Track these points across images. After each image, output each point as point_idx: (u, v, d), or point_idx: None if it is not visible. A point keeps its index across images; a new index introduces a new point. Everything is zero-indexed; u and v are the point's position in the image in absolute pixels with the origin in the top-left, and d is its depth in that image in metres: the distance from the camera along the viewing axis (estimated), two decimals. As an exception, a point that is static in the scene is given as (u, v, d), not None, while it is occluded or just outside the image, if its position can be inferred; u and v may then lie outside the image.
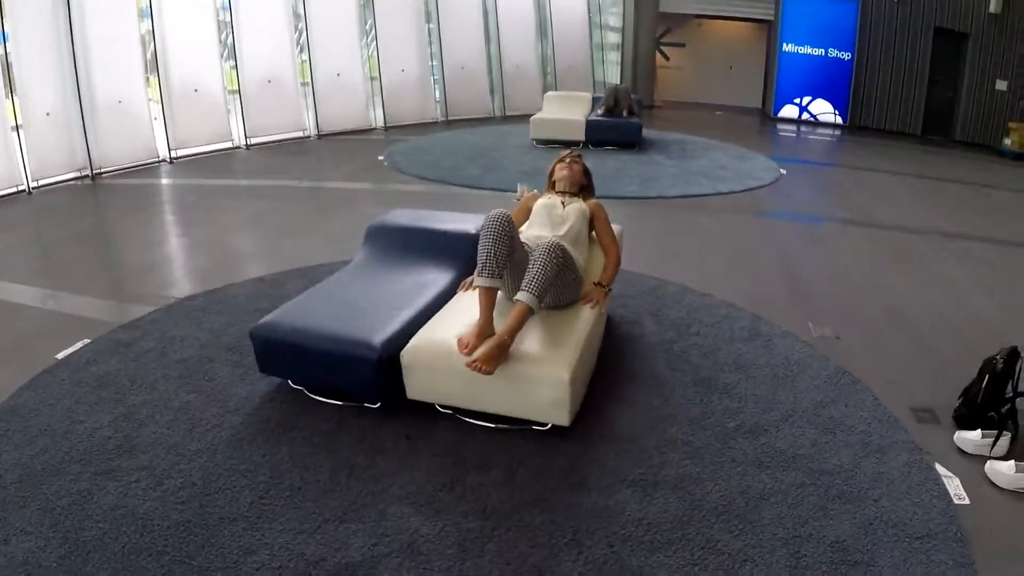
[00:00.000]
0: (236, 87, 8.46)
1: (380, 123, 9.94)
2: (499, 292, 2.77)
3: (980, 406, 2.79)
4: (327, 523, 2.20)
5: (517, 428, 2.68)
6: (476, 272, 2.71)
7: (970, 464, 2.61)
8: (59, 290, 4.17)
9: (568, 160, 3.53)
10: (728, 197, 6.71)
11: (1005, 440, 2.64)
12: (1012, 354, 2.81)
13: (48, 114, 6.44)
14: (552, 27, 11.65)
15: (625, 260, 3.47)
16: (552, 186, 3.52)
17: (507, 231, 2.69)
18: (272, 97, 8.72)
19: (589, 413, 2.81)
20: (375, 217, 3.78)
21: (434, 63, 10.61)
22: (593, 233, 3.36)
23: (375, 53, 9.85)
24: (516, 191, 6.28)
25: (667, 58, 14.19)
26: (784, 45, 12.11)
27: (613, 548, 2.12)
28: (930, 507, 2.34)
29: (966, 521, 2.28)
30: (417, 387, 2.73)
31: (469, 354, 2.53)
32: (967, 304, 4.26)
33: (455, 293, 3.11)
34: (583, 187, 3.52)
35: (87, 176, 6.79)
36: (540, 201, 3.35)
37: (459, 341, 2.60)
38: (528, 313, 2.59)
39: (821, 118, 12.06)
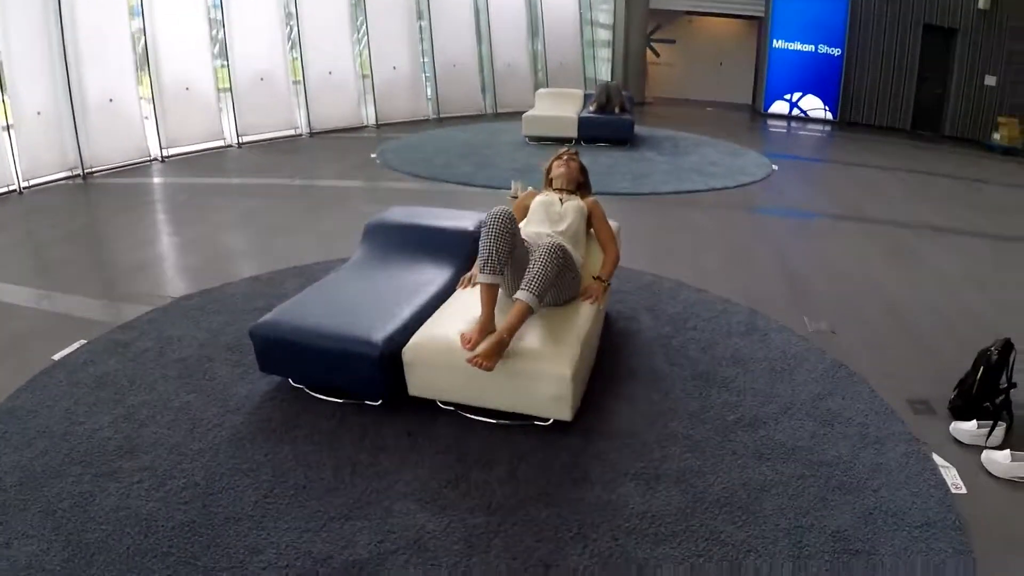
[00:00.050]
0: (228, 85, 8.41)
1: (372, 121, 9.91)
2: (499, 289, 2.78)
3: (975, 397, 2.83)
4: (332, 521, 2.20)
5: (519, 424, 2.70)
6: (478, 269, 2.72)
7: (966, 454, 2.65)
8: (52, 290, 4.14)
9: (565, 157, 3.54)
10: (720, 193, 6.74)
11: (1000, 430, 2.68)
12: (1006, 346, 2.85)
13: (39, 113, 6.38)
14: (543, 24, 11.66)
15: (621, 256, 3.48)
16: (549, 184, 3.53)
17: (509, 228, 2.70)
18: (264, 95, 8.67)
19: (590, 408, 2.82)
20: (369, 215, 3.77)
21: (426, 60, 10.58)
22: (591, 230, 3.38)
23: (367, 51, 9.82)
24: (510, 188, 6.34)
25: (657, 55, 14.22)
26: (774, 41, 12.17)
27: (618, 541, 2.13)
28: (928, 497, 2.37)
29: (964, 510, 2.32)
30: (419, 384, 2.73)
31: (472, 349, 2.55)
32: (960, 297, 4.31)
33: (454, 290, 3.12)
34: (580, 184, 3.53)
35: (78, 175, 6.73)
36: (538, 198, 3.36)
37: (462, 336, 2.62)
38: (528, 312, 2.61)
39: (811, 114, 12.14)
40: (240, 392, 2.94)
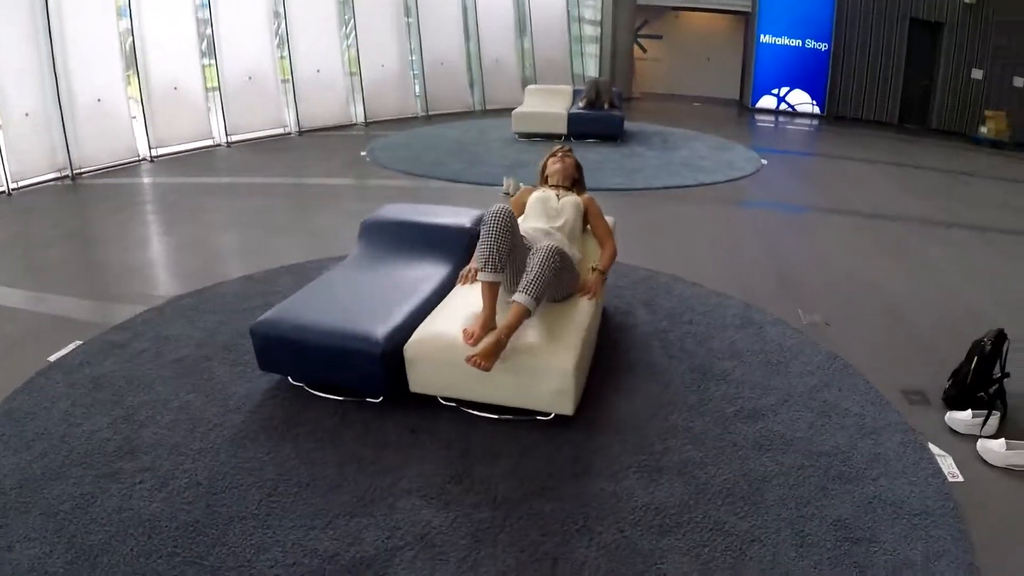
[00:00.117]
0: (216, 84, 8.35)
1: (360, 119, 9.88)
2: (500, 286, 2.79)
3: (969, 387, 2.87)
4: (338, 518, 2.20)
5: (520, 419, 2.71)
6: (480, 266, 2.72)
7: (961, 443, 2.69)
8: (45, 291, 4.10)
9: (560, 154, 3.55)
10: (711, 187, 6.78)
11: (995, 419, 2.72)
12: (999, 336, 2.89)
13: (27, 114, 6.31)
14: (531, 21, 11.65)
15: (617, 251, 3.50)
16: (544, 181, 3.54)
17: (509, 227, 2.71)
18: (252, 94, 8.62)
19: (590, 402, 2.84)
20: (362, 213, 3.77)
21: (414, 58, 10.55)
22: (587, 226, 3.39)
23: (355, 49, 9.77)
24: (502, 185, 6.35)
25: (644, 50, 14.26)
26: (761, 36, 12.25)
27: (624, 533, 2.15)
28: (926, 485, 2.41)
29: (961, 498, 2.36)
30: (420, 380, 2.73)
31: (474, 344, 2.56)
32: (952, 289, 4.36)
33: (453, 286, 3.12)
34: (575, 181, 3.55)
35: (67, 176, 6.66)
36: (535, 194, 3.37)
37: (464, 332, 2.64)
38: (525, 314, 2.61)
39: (799, 108, 12.23)
40: (239, 391, 2.93)
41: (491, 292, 2.69)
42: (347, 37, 9.79)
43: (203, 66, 8.14)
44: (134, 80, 7.49)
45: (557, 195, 3.34)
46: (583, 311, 2.92)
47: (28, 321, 3.72)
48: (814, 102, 12.07)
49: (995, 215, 6.21)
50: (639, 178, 6.93)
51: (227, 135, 8.41)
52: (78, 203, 6.13)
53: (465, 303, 2.89)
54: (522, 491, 2.33)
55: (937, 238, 5.42)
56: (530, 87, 9.81)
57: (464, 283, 3.06)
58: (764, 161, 7.86)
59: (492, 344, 2.51)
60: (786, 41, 12.04)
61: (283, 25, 8.92)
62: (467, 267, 3.14)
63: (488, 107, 11.17)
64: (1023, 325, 3.37)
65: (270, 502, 2.27)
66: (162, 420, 2.73)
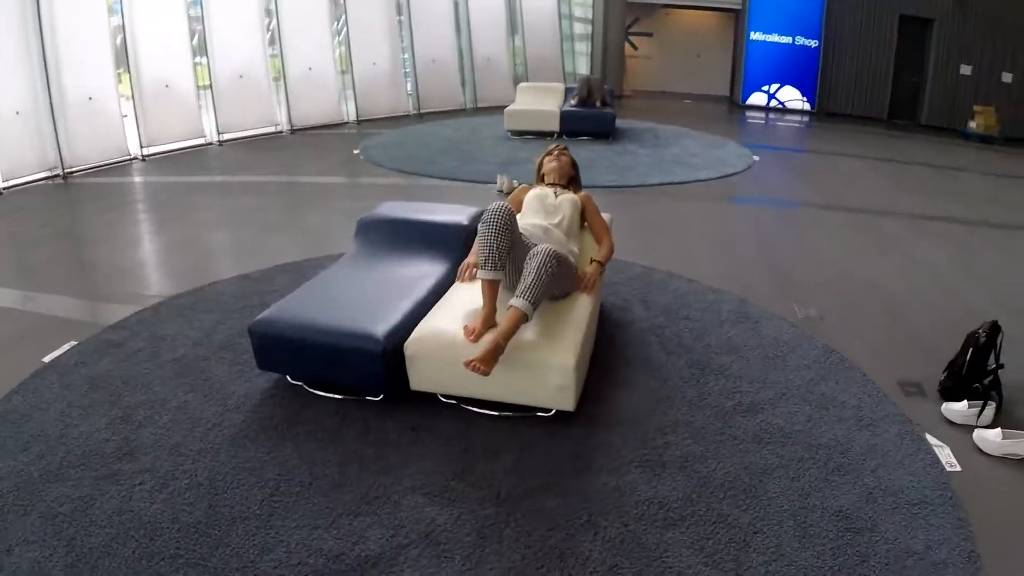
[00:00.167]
0: (208, 83, 8.30)
1: (352, 117, 9.84)
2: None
3: (965, 378, 2.90)
4: (342, 517, 2.19)
5: (520, 415, 2.71)
6: (480, 265, 2.71)
7: (958, 433, 2.72)
8: (38, 291, 4.06)
9: (556, 152, 3.56)
10: (704, 184, 6.81)
11: (990, 410, 2.75)
12: (993, 328, 2.93)
13: (18, 113, 6.25)
14: (522, 19, 11.65)
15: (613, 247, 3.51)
16: (541, 179, 3.54)
17: (508, 225, 2.71)
18: (244, 92, 8.57)
19: (590, 398, 2.84)
20: (358, 211, 3.76)
21: (405, 56, 10.53)
22: (584, 224, 3.40)
23: (347, 47, 9.74)
24: (496, 183, 6.35)
25: (635, 47, 14.30)
26: (751, 33, 12.31)
27: (628, 527, 2.16)
28: (924, 475, 2.43)
29: (959, 487, 2.38)
30: (421, 378, 2.73)
31: (475, 340, 2.57)
32: (944, 282, 4.41)
33: (451, 284, 3.12)
34: (572, 179, 3.55)
35: (58, 175, 6.61)
36: (532, 192, 3.37)
37: (465, 328, 2.64)
38: (523, 319, 2.60)
39: (789, 105, 12.29)
40: (238, 390, 2.92)
41: (491, 290, 2.69)
42: (339, 34, 9.76)
43: (195, 64, 8.08)
44: (125, 78, 7.43)
45: (555, 192, 3.34)
46: (582, 307, 2.92)
47: (21, 321, 3.68)
48: (804, 98, 12.14)
49: (986, 209, 6.27)
50: (632, 175, 6.94)
51: (219, 133, 8.36)
52: (69, 202, 6.07)
53: (464, 300, 2.88)
54: (525, 487, 2.33)
55: (929, 232, 5.47)
56: (522, 85, 9.81)
57: (463, 279, 3.06)
58: (756, 157, 7.89)
59: (491, 349, 2.51)
60: (776, 38, 12.10)
61: (275, 22, 8.87)
62: (465, 261, 3.14)
63: (480, 105, 11.16)
64: (1015, 317, 3.42)
65: (272, 502, 2.26)
66: (160, 420, 2.71)
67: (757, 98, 12.54)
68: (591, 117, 8.70)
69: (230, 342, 3.31)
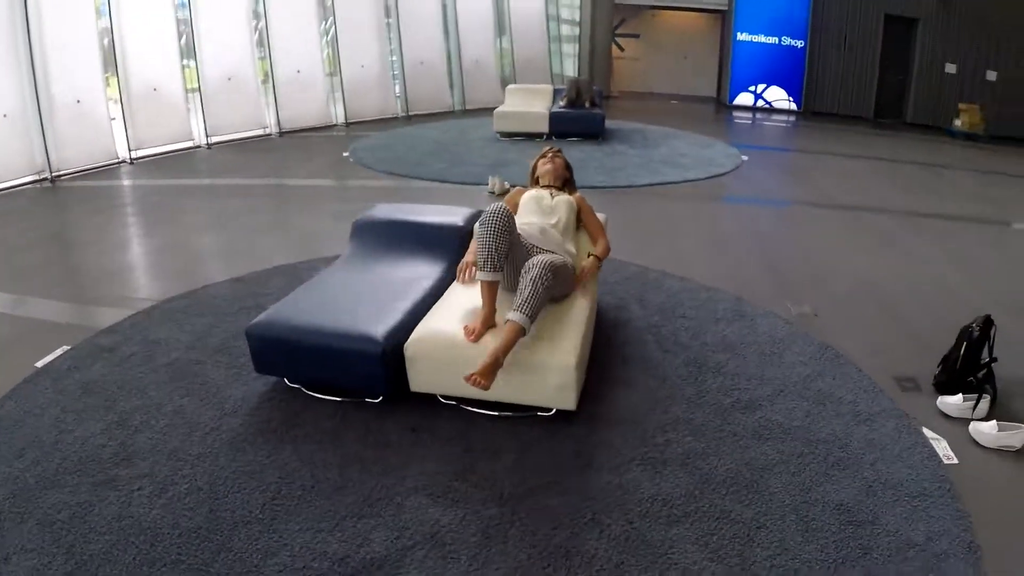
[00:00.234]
0: (196, 85, 8.23)
1: (341, 119, 9.81)
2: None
3: (959, 372, 2.93)
4: (345, 519, 2.18)
5: (520, 415, 2.71)
6: (479, 266, 2.71)
7: (954, 427, 2.75)
8: (28, 296, 4.01)
9: (550, 155, 3.56)
10: (694, 184, 6.84)
11: (985, 402, 2.78)
12: (987, 322, 2.96)
13: (5, 115, 6.18)
14: (510, 21, 11.66)
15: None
16: (536, 182, 3.54)
17: (507, 226, 2.71)
18: (232, 95, 8.51)
19: (589, 397, 2.85)
20: (347, 213, 3.75)
21: (394, 59, 10.50)
22: (580, 225, 3.40)
23: (335, 49, 9.70)
24: (488, 184, 6.35)
25: (622, 49, 14.35)
26: (738, 34, 12.39)
27: (633, 524, 2.16)
28: (922, 468, 2.46)
29: (957, 479, 2.41)
30: (421, 379, 2.72)
31: (476, 340, 2.57)
32: (936, 278, 4.46)
33: (448, 285, 3.12)
34: (566, 181, 3.55)
35: (46, 179, 6.52)
36: (528, 193, 3.37)
37: (465, 328, 2.64)
38: (520, 333, 2.59)
39: (776, 105, 12.39)
40: (235, 394, 2.89)
41: (490, 291, 2.69)
42: (327, 36, 9.72)
43: (183, 66, 8.02)
44: (113, 81, 7.36)
45: (550, 194, 3.35)
46: (581, 308, 2.93)
47: (11, 326, 3.63)
48: (791, 98, 12.24)
49: (973, 206, 6.35)
50: (622, 176, 6.97)
51: (207, 136, 8.29)
52: (57, 206, 6.00)
53: (463, 301, 2.88)
54: (528, 486, 2.33)
55: (916, 228, 5.53)
56: (511, 87, 9.82)
57: (463, 279, 3.05)
58: (744, 157, 7.94)
59: (490, 364, 2.50)
60: (762, 39, 12.20)
61: (263, 25, 8.82)
62: (464, 260, 3.13)
63: (468, 107, 11.16)
64: (1008, 311, 3.46)
65: (274, 505, 2.24)
66: (157, 425, 2.68)
67: (744, 98, 12.63)
68: (580, 118, 8.73)
69: (225, 345, 3.29)
